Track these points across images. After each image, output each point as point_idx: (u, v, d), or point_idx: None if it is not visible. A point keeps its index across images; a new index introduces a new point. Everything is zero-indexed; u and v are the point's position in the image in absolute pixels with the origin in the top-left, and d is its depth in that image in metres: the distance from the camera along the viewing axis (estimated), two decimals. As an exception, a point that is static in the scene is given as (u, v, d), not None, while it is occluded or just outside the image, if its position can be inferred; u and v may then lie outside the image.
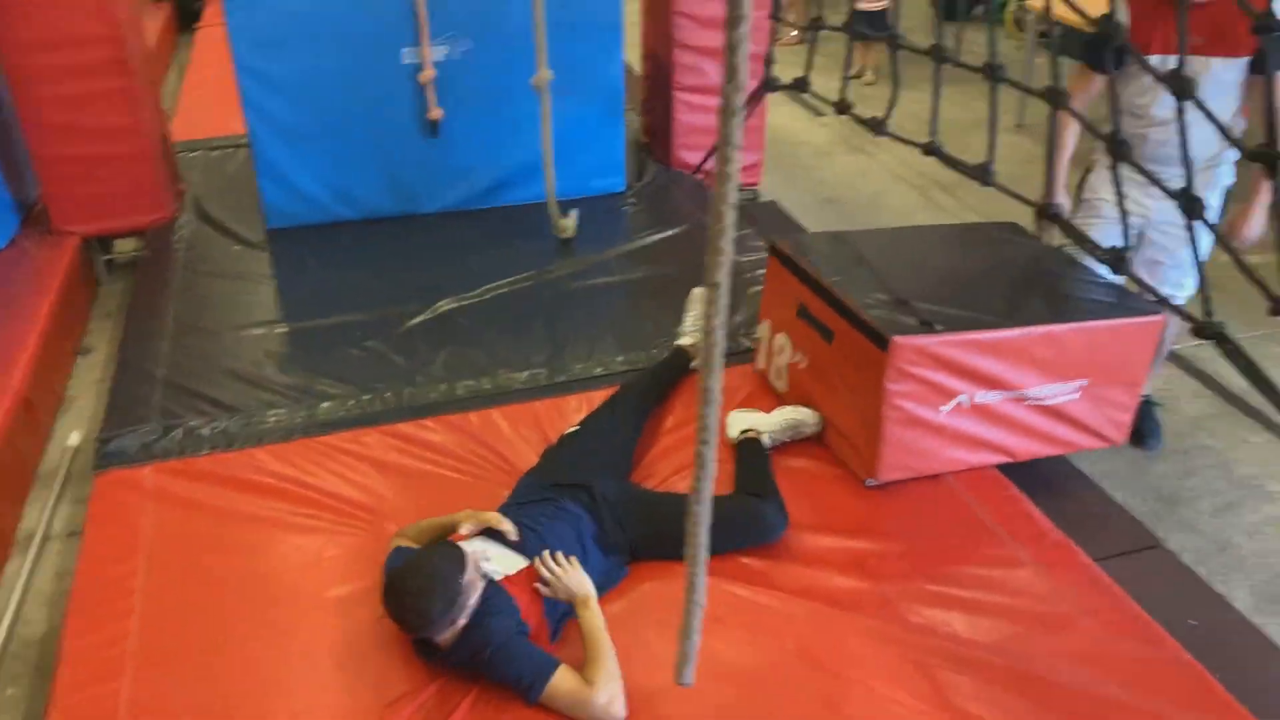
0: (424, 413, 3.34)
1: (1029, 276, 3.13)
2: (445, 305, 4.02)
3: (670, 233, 4.62)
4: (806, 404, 3.12)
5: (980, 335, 2.74)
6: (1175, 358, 4.23)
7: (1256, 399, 2.62)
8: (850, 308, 2.84)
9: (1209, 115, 2.28)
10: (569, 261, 4.37)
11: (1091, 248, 2.80)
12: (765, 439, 2.99)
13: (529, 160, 4.58)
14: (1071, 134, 3.34)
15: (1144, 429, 3.80)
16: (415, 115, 4.55)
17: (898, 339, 2.69)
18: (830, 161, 6.34)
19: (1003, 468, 3.10)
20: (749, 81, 4.87)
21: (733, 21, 1.14)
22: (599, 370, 3.63)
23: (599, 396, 3.29)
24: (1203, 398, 4.06)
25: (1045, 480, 3.18)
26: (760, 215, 5.24)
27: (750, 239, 4.53)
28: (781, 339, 3.21)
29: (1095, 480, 3.39)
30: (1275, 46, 2.02)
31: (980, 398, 2.80)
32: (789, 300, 3.16)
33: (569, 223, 4.50)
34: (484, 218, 4.73)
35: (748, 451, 2.96)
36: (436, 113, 4.53)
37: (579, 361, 3.67)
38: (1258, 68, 3.02)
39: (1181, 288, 3.38)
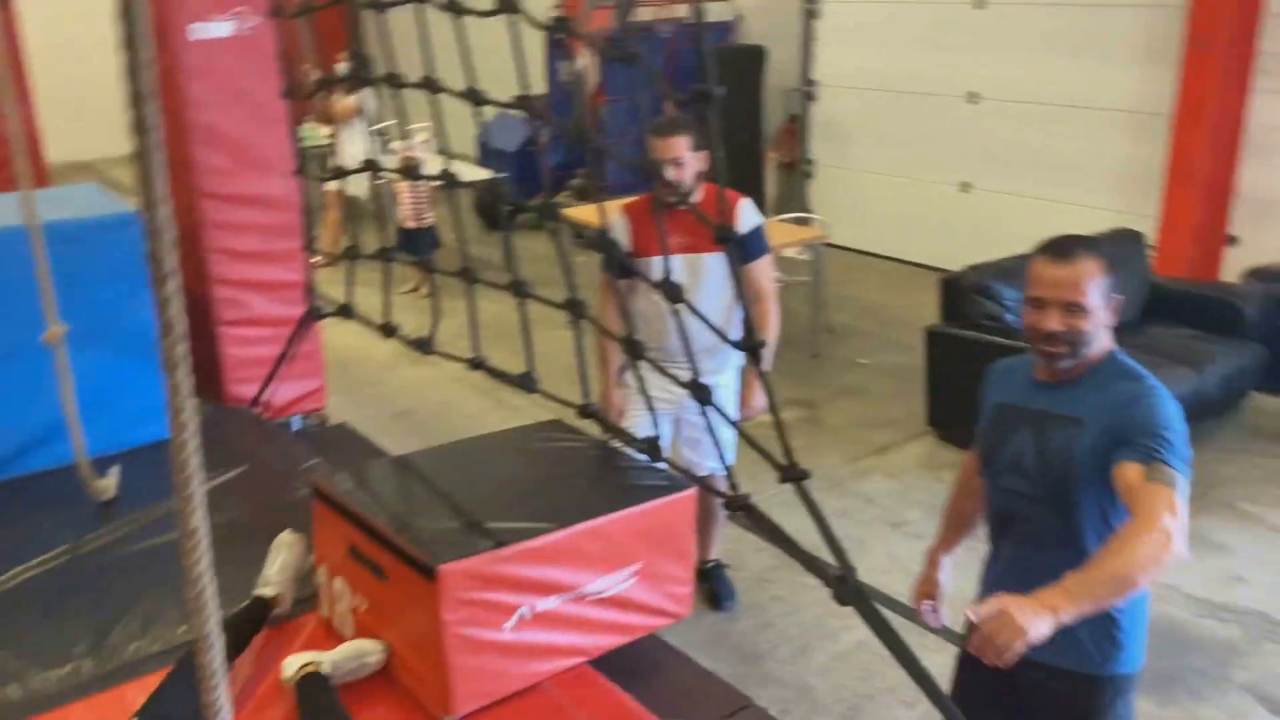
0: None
1: (574, 474, 3.23)
2: (-46, 605, 3.42)
3: (231, 474, 4.32)
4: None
5: (528, 544, 2.76)
6: (736, 517, 4.56)
7: (814, 541, 2.89)
8: (396, 542, 2.78)
9: (697, 314, 2.53)
10: (112, 526, 3.92)
11: (628, 440, 2.98)
12: (326, 666, 2.82)
13: (50, 420, 4.11)
14: (610, 339, 3.60)
15: (718, 592, 4.03)
16: (-99, 388, 3.96)
17: (444, 567, 2.64)
18: (396, 375, 6.34)
19: (594, 660, 3.12)
20: (297, 309, 4.80)
21: (159, 281, 1.07)
22: (158, 648, 3.22)
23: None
24: (765, 550, 4.39)
25: (635, 662, 3.24)
26: (331, 440, 5.08)
27: (321, 468, 4.34)
28: (339, 583, 3.07)
29: (684, 651, 3.51)
30: (734, 251, 2.31)
31: (541, 605, 2.82)
32: (339, 541, 3.04)
33: (108, 482, 4.06)
34: None
35: (309, 687, 2.76)
36: (-73, 383, 3.97)
37: (133, 640, 3.25)
38: (744, 258, 3.47)
39: (722, 461, 3.69)
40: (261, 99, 4.69)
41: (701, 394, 2.51)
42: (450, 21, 3.25)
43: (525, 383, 3.28)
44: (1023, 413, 2.25)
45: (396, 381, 6.23)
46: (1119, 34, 6.91)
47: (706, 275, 3.50)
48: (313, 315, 4.60)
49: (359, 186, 8.27)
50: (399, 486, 3.16)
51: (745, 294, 3.06)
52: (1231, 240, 6.69)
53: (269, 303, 4.95)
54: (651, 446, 2.88)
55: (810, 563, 2.43)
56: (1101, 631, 2.18)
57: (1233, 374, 5.31)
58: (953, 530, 2.58)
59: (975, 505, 2.51)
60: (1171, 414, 2.07)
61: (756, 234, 3.61)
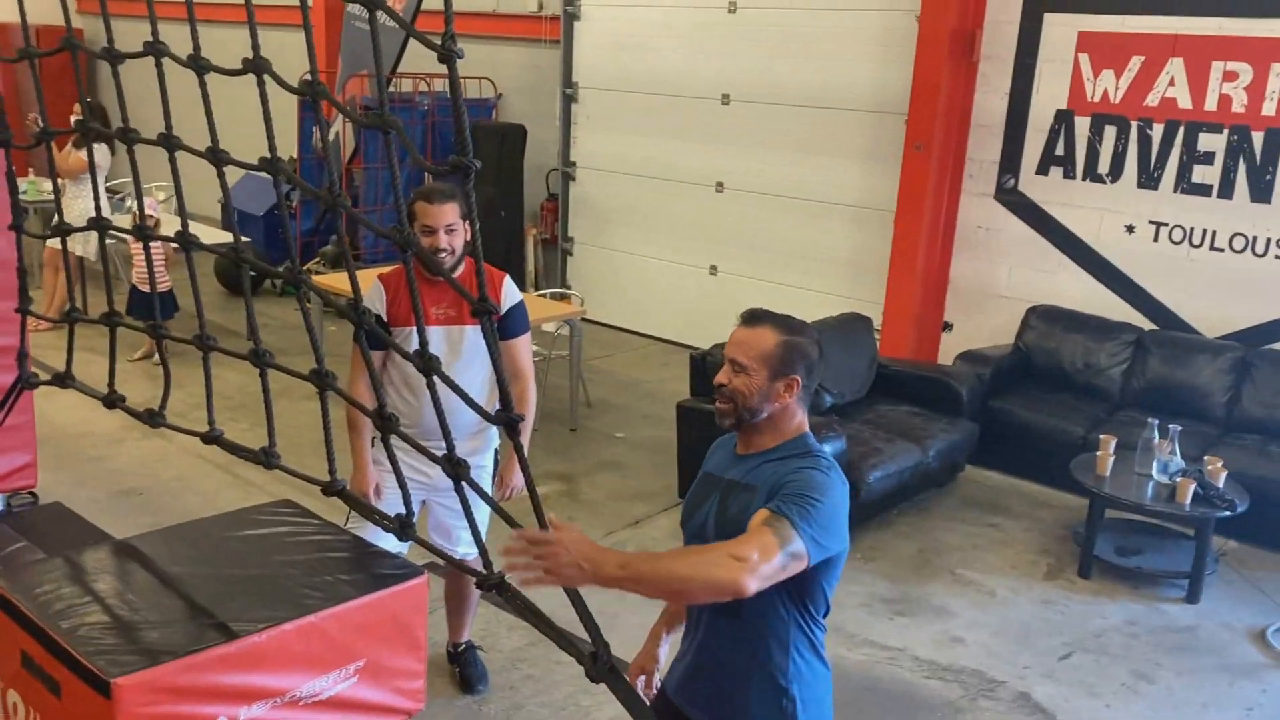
0: None
1: (296, 562, 3.06)
2: None
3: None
4: None
5: (226, 648, 2.55)
6: (489, 596, 4.46)
7: (568, 618, 2.83)
8: (70, 651, 2.48)
9: (454, 387, 2.48)
10: None
11: (379, 518, 2.85)
12: None
13: None
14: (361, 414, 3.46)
15: (469, 676, 3.91)
16: None
17: (120, 681, 2.38)
18: (123, 449, 5.85)
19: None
20: (6, 377, 4.34)
21: None
22: None
23: None
24: (518, 629, 4.32)
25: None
26: (41, 523, 4.62)
27: (26, 552, 3.92)
28: (14, 697, 2.73)
29: (433, 740, 3.37)
30: (489, 325, 2.28)
31: (246, 714, 2.60)
32: (13, 648, 2.70)
33: None
34: None
35: None
36: None
37: None
38: (504, 333, 3.45)
39: (474, 544, 3.61)
40: (-26, 148, 4.27)
41: (457, 469, 2.44)
42: (194, 76, 3.10)
43: (265, 458, 3.08)
44: (717, 482, 2.34)
45: (123, 456, 5.74)
46: (849, 136, 7.50)
47: (467, 349, 3.45)
48: (24, 383, 4.17)
49: (87, 246, 7.68)
50: (87, 582, 2.87)
51: (504, 370, 3.05)
52: (947, 326, 7.33)
53: (-27, 369, 4.47)
54: (402, 525, 2.77)
55: (563, 640, 2.40)
56: (773, 704, 2.21)
57: (950, 448, 5.76)
58: (673, 607, 2.58)
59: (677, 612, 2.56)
60: (825, 489, 2.12)
61: (518, 310, 3.58)
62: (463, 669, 3.94)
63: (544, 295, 7.60)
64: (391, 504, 3.42)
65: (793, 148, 7.81)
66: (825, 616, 2.28)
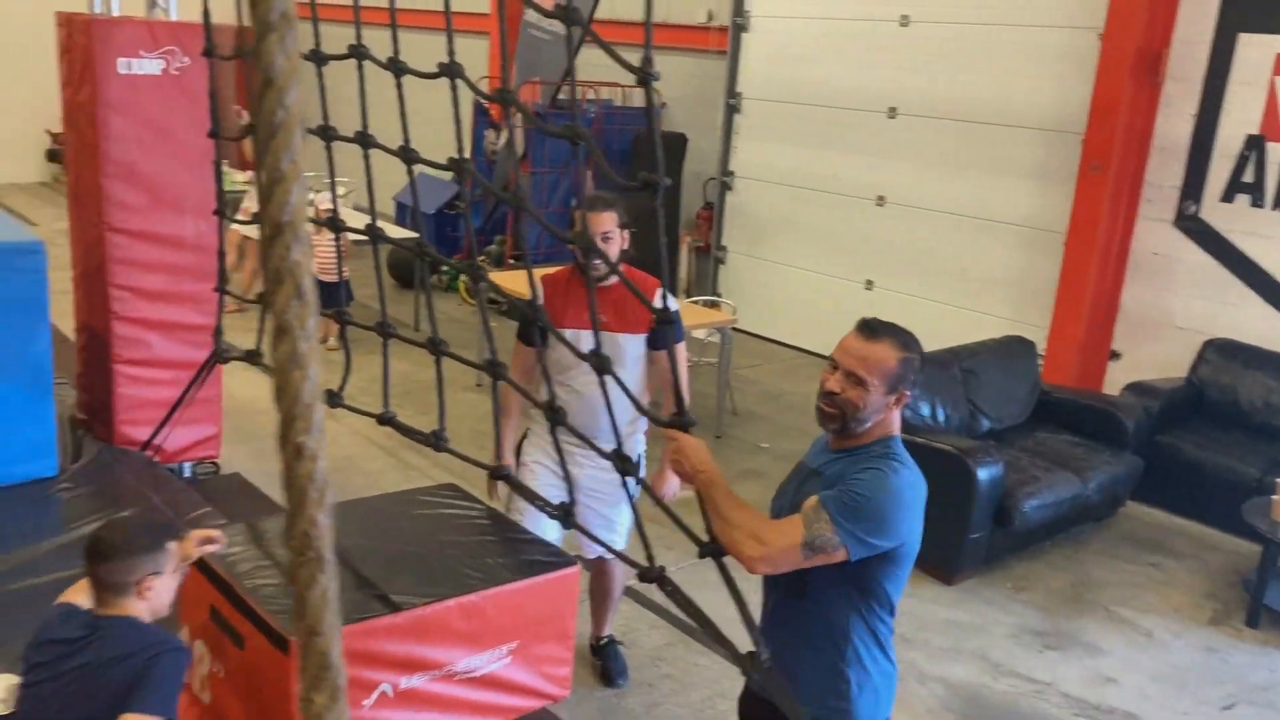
0: None
1: (457, 543, 3.18)
2: None
3: (114, 518, 4.15)
4: (225, 717, 2.85)
5: (392, 619, 2.67)
6: (632, 594, 4.55)
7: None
8: (254, 608, 2.67)
9: (624, 389, 2.57)
10: (-16, 564, 3.73)
11: (542, 504, 2.96)
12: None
13: (-72, 451, 3.93)
14: (515, 401, 3.59)
15: (610, 669, 4.00)
16: None
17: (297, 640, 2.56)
18: (297, 427, 6.20)
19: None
20: (198, 353, 4.67)
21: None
22: (21, 694, 3.05)
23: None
24: (659, 628, 4.38)
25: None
26: (222, 491, 4.93)
27: (210, 518, 4.21)
28: (199, 646, 2.94)
29: (573, 728, 3.47)
30: (665, 332, 2.35)
31: (406, 683, 2.72)
32: (202, 602, 2.92)
33: (-17, 519, 3.87)
34: None
35: None
36: None
37: None
38: (655, 344, 3.49)
39: (614, 544, 3.66)
40: (185, 139, 4.62)
41: (626, 466, 2.52)
42: (383, 80, 3.29)
43: (435, 441, 3.24)
44: (803, 469, 2.44)
45: (296, 434, 6.09)
46: (1021, 154, 7.30)
47: (620, 356, 3.51)
48: (218, 358, 4.49)
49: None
50: (269, 548, 3.06)
51: (675, 376, 3.13)
52: (1114, 355, 7.04)
53: (169, 344, 4.82)
54: (565, 512, 2.87)
55: (718, 636, 2.45)
56: (828, 689, 2.31)
57: (1112, 482, 5.54)
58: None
59: None
60: (883, 493, 2.19)
61: (677, 320, 3.62)
62: (604, 662, 4.02)
63: (695, 302, 7.67)
64: (547, 495, 3.54)
65: (960, 164, 7.65)
66: (892, 616, 2.33)
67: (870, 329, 2.30)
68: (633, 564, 2.62)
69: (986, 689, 4.16)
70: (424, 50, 3.31)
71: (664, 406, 3.34)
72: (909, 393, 2.28)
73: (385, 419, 3.47)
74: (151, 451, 4.76)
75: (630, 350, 3.51)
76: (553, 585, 3.07)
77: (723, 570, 2.42)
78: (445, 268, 9.16)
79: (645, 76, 2.28)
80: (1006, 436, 5.69)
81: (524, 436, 3.76)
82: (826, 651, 2.31)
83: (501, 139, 9.47)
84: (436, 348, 3.17)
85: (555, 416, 2.78)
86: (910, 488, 2.25)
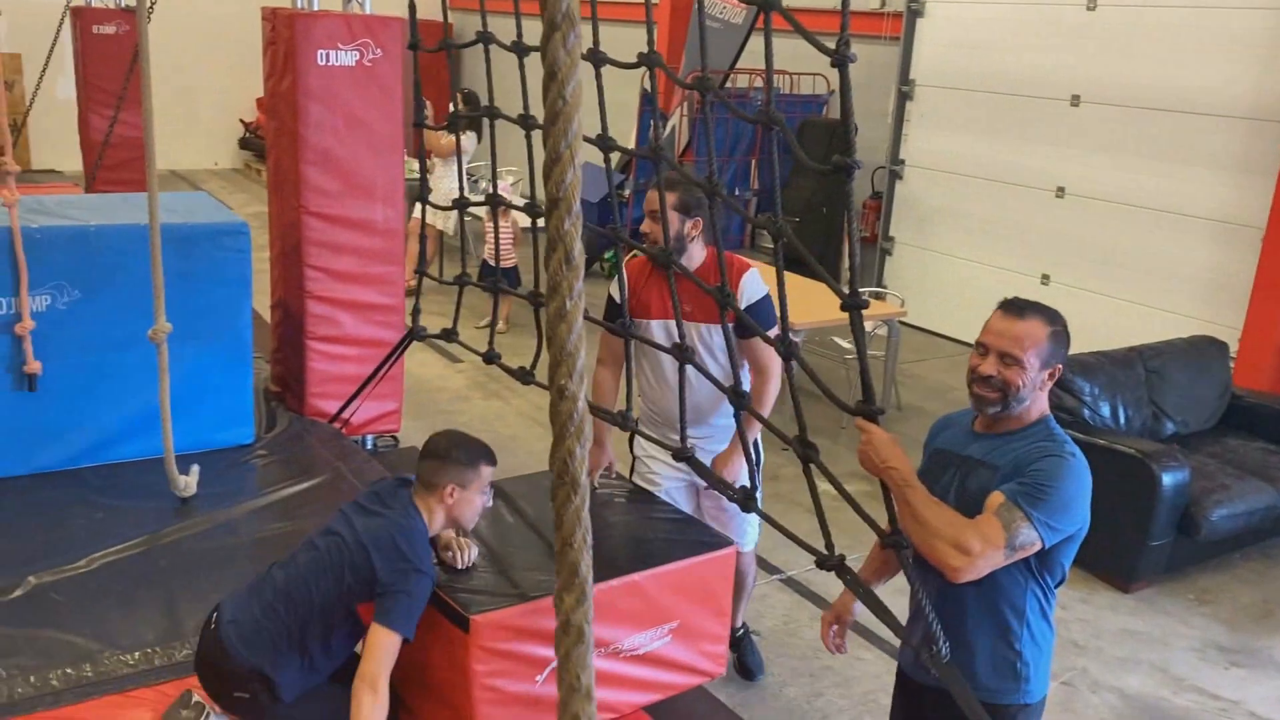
0: (8, 713, 2.85)
1: (615, 525, 3.25)
2: (38, 579, 3.54)
3: (307, 484, 4.41)
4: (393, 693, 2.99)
5: None
6: (793, 583, 4.55)
7: (866, 618, 2.89)
8: (438, 592, 2.78)
9: (712, 380, 2.66)
10: (189, 522, 4.02)
11: (725, 488, 3.02)
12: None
13: (143, 413, 4.25)
14: (608, 389, 3.59)
15: (749, 663, 3.96)
16: (10, 368, 4.12)
17: (478, 618, 2.65)
18: (469, 405, 6.44)
19: (650, 709, 3.12)
20: (385, 332, 4.91)
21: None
22: (223, 644, 3.29)
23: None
24: (819, 621, 4.36)
25: (686, 718, 3.24)
26: (401, 463, 5.16)
27: (390, 489, 4.42)
28: None
29: (735, 711, 3.51)
30: (741, 320, 2.35)
31: None
32: None
33: (189, 479, 4.18)
34: (88, 477, 4.28)
35: None
36: (34, 366, 4.13)
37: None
38: (741, 332, 3.21)
39: (745, 536, 3.65)
40: (377, 128, 4.86)
41: (807, 451, 2.54)
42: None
43: (622, 421, 3.33)
44: (954, 458, 2.41)
45: (470, 412, 6.32)
46: (1215, 144, 6.89)
47: (707, 346, 3.38)
48: (414, 336, 4.72)
49: (448, 222, 8.49)
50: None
51: (749, 366, 3.14)
52: (1315, 359, 6.59)
53: (359, 323, 5.09)
54: (746, 497, 2.91)
55: (894, 622, 2.44)
56: (1004, 665, 2.34)
57: (1309, 494, 5.19)
58: (876, 563, 2.66)
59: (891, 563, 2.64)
60: (1067, 479, 2.22)
61: (762, 305, 3.34)
62: (741, 656, 3.93)
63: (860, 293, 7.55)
64: (671, 494, 3.58)
65: (1149, 154, 7.28)
66: (1060, 585, 2.36)
67: (1016, 308, 2.33)
68: (809, 549, 2.63)
69: (1166, 702, 3.98)
70: (585, 40, 3.40)
71: (753, 396, 3.26)
72: (1062, 366, 2.31)
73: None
74: (339, 424, 5.04)
75: (709, 341, 3.35)
76: (710, 565, 3.10)
77: (904, 564, 2.40)
78: (608, 255, 9.31)
79: (842, 58, 2.28)
80: (1193, 441, 5.41)
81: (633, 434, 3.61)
82: (1002, 632, 2.33)
83: (668, 127, 9.55)
84: (627, 330, 3.27)
85: (740, 401, 2.82)
86: (1086, 469, 2.29)
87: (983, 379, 2.31)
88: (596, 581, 2.82)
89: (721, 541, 3.20)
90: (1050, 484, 2.21)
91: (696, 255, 3.42)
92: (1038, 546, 2.21)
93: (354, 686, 2.58)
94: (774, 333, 3.19)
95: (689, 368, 3.10)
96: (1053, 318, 2.32)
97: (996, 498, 2.22)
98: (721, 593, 3.18)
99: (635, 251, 3.42)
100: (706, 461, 3.34)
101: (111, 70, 8.74)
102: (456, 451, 2.84)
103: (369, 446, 5.36)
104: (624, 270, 3.47)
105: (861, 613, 2.66)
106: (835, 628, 2.72)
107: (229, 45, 13.30)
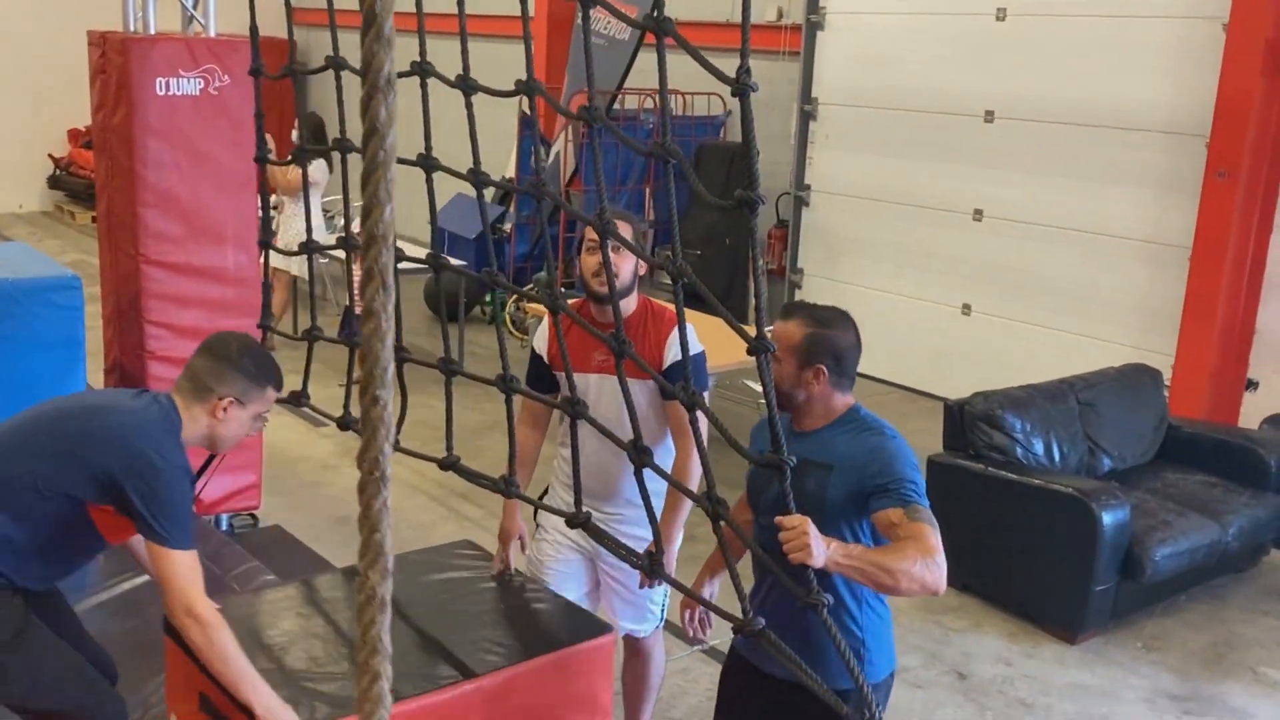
0: None
1: (472, 613, 3.21)
2: None
3: (149, 578, 4.34)
4: None
5: (401, 706, 2.65)
6: (716, 653, 4.64)
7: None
8: (246, 696, 2.65)
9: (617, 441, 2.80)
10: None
11: (627, 554, 3.04)
12: None
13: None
14: (530, 451, 3.68)
15: None
16: None
17: None
18: (338, 475, 6.41)
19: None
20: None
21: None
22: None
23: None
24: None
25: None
26: (265, 545, 5.11)
27: (256, 573, 4.39)
28: None
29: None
30: (764, 364, 2.43)
31: None
32: (191, 688, 2.92)
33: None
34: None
35: None
36: None
37: None
38: (665, 392, 3.19)
39: (645, 618, 3.64)
40: (226, 164, 4.87)
41: (717, 508, 2.62)
42: (406, 92, 3.46)
43: (504, 488, 3.35)
44: (780, 466, 2.64)
45: (339, 483, 6.29)
46: (1137, 160, 7.35)
47: (621, 404, 3.03)
48: (260, 401, 4.69)
49: (302, 266, 8.43)
50: (266, 623, 3.09)
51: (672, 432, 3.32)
52: (1251, 385, 7.04)
53: (209, 386, 5.04)
54: (653, 563, 2.95)
55: (819, 686, 2.53)
56: (849, 648, 2.59)
57: (1254, 527, 5.54)
58: (720, 557, 3.04)
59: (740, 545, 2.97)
60: (900, 456, 2.71)
61: (694, 364, 3.13)
62: None
63: (770, 332, 7.77)
64: (562, 580, 3.58)
65: (1068, 172, 7.73)
66: None
67: (786, 311, 2.86)
68: (730, 618, 2.68)
69: (1120, 761, 4.19)
70: (448, 57, 3.47)
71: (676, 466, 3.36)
72: (824, 367, 2.75)
73: (448, 463, 3.58)
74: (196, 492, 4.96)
75: (638, 398, 3.03)
76: (584, 658, 3.02)
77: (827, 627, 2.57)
78: (488, 298, 9.37)
79: (743, 87, 2.41)
80: (1131, 477, 5.73)
81: (542, 494, 3.68)
82: (841, 618, 2.71)
83: (551, 154, 9.71)
84: (508, 385, 3.30)
85: (642, 457, 2.87)
86: (904, 439, 2.79)
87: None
88: (451, 684, 2.75)
89: (596, 629, 3.12)
90: (900, 468, 2.67)
91: (630, 302, 3.45)
92: None
93: (176, 625, 2.64)
94: (707, 395, 3.34)
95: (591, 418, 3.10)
96: (818, 320, 2.79)
97: (893, 513, 2.62)
98: (598, 687, 3.10)
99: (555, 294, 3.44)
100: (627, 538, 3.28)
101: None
102: (247, 360, 2.80)
103: (225, 528, 5.30)
104: (551, 318, 3.39)
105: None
106: (690, 612, 3.22)
107: (32, 71, 13.04)
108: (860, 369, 2.95)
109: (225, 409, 2.74)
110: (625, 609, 3.61)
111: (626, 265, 3.37)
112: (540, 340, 3.62)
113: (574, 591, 3.60)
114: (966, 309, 8.45)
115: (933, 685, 4.61)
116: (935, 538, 2.57)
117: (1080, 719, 4.46)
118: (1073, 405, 5.75)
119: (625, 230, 3.12)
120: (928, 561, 2.52)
